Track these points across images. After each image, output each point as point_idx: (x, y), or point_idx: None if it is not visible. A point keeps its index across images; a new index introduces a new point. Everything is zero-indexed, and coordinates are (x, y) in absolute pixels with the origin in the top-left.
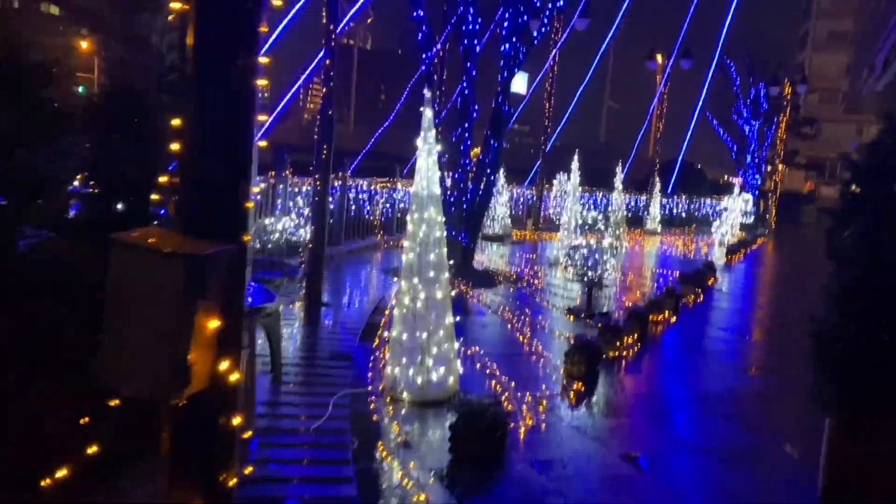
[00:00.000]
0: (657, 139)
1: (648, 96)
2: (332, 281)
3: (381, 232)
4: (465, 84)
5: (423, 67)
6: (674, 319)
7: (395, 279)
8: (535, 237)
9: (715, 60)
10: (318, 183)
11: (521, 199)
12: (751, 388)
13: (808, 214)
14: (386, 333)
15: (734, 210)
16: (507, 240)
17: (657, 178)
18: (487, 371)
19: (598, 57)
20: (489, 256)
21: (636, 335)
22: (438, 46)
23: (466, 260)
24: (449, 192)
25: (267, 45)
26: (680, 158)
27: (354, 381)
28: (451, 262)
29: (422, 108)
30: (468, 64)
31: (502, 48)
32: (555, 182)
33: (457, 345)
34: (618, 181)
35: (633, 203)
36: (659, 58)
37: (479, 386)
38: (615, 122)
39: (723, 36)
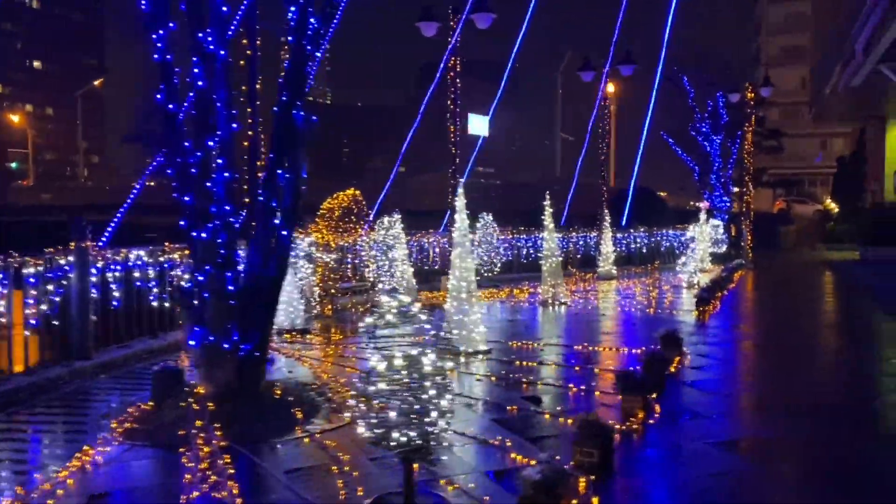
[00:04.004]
0: (602, 164)
1: (602, 123)
2: None
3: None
4: (197, 68)
5: (157, 56)
6: None
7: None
8: None
9: (660, 66)
10: None
11: (438, 249)
12: None
13: (788, 237)
14: None
15: (702, 240)
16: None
17: (606, 210)
18: None
19: (507, 72)
20: (351, 343)
21: None
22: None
23: (246, 382)
24: (196, 266)
25: None
26: (633, 184)
27: None
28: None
29: None
30: (203, 34)
31: (288, 15)
32: (478, 224)
33: None
34: (547, 217)
35: (582, 242)
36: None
37: None
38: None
39: (666, 37)
